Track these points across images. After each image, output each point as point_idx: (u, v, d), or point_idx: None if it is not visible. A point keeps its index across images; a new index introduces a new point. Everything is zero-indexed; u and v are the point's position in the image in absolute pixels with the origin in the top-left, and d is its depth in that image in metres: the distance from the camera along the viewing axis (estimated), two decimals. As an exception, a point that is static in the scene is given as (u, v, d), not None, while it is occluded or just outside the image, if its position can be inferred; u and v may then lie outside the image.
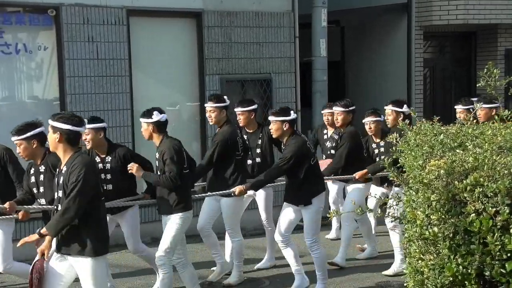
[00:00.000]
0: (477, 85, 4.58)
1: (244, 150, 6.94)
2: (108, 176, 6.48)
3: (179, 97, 9.39)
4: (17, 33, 8.23)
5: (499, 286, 3.01)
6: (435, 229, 3.14)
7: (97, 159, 6.49)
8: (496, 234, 2.96)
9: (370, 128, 7.45)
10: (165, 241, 5.97)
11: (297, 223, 6.62)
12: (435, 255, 3.20)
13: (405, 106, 7.09)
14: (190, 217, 6.10)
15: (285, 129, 6.34)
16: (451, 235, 3.10)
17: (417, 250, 3.35)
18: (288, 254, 6.58)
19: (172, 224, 5.97)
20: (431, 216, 3.18)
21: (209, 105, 6.85)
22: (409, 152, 3.92)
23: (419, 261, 3.36)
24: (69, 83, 8.36)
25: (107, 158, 6.49)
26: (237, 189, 6.50)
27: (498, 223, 2.97)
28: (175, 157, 5.88)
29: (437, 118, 4.32)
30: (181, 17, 9.24)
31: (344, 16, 12.60)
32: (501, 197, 2.98)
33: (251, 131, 7.49)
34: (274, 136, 6.53)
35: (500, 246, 2.94)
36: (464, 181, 3.10)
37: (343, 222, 7.64)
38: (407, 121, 4.30)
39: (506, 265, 2.93)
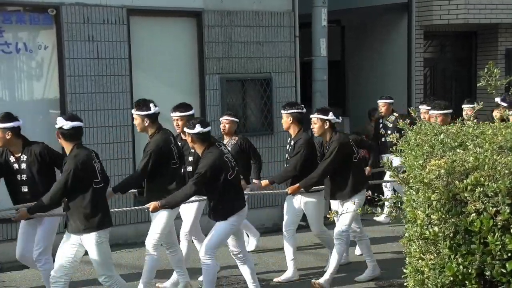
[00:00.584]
0: (478, 84, 4.57)
1: (180, 158, 6.55)
2: (24, 177, 6.15)
3: (179, 97, 9.34)
4: (18, 32, 8.23)
5: (500, 286, 3.01)
6: (436, 228, 3.14)
7: (12, 158, 6.15)
8: (497, 233, 2.96)
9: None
10: (100, 266, 5.66)
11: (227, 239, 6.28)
12: (435, 255, 3.20)
13: (330, 113, 6.81)
14: (106, 234, 5.67)
15: (189, 141, 6.06)
16: (451, 234, 3.10)
17: (417, 250, 3.35)
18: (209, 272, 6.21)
19: (92, 246, 5.58)
20: (431, 216, 3.18)
21: (133, 112, 6.47)
22: (409, 151, 3.92)
23: (420, 261, 3.36)
24: (69, 82, 8.36)
25: (22, 157, 6.14)
26: (151, 205, 6.04)
27: (499, 223, 2.97)
28: (72, 171, 5.45)
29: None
30: (181, 16, 9.24)
31: (344, 15, 12.60)
32: (502, 197, 2.98)
33: (185, 137, 6.86)
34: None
35: (500, 246, 2.94)
36: (465, 181, 3.10)
37: (320, 237, 7.36)
38: (407, 121, 4.28)
39: (507, 265, 2.93)
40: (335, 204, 7.12)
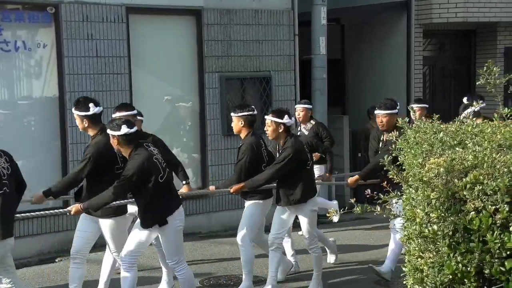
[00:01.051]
0: (477, 83, 4.57)
1: (124, 161, 5.84)
2: None
3: (178, 95, 9.38)
4: (16, 31, 8.22)
5: (498, 284, 3.01)
6: (435, 227, 3.14)
7: None
8: (496, 232, 2.96)
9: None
10: None
11: (147, 245, 5.92)
12: (434, 253, 3.20)
13: (286, 116, 6.36)
14: (7, 244, 5.22)
15: (114, 145, 5.57)
16: (450, 233, 3.10)
17: (416, 248, 3.35)
18: (126, 277, 5.76)
19: None
20: (430, 214, 3.18)
21: (72, 111, 6.07)
22: (408, 150, 3.92)
23: (419, 259, 3.36)
24: (68, 81, 8.36)
25: None
26: (73, 208, 5.64)
27: (498, 221, 2.97)
28: None
29: (437, 116, 4.32)
30: (180, 14, 9.24)
31: (344, 14, 12.60)
32: (501, 195, 2.98)
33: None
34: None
35: (499, 244, 2.94)
36: (464, 179, 3.10)
37: (240, 246, 6.67)
38: (406, 119, 4.28)
39: (506, 263, 2.93)
40: (283, 211, 6.62)
